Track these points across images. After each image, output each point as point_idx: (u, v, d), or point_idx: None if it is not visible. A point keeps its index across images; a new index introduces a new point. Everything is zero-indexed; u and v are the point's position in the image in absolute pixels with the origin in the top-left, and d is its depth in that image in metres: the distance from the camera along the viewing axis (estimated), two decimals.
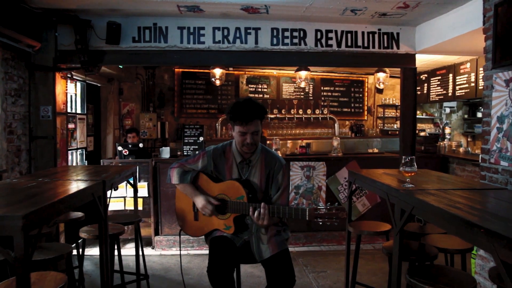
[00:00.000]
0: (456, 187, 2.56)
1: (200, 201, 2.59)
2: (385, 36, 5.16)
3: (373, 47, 5.16)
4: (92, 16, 4.69)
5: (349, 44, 5.13)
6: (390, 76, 7.20)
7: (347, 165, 5.94)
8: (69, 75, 5.13)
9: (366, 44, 5.15)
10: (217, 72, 6.60)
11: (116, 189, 3.19)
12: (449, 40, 4.60)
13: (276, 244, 2.48)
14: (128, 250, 5.25)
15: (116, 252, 3.40)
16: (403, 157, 2.57)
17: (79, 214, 3.61)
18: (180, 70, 8.48)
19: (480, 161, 3.77)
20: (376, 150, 7.30)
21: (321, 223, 2.24)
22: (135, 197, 3.85)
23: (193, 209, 2.70)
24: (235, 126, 2.50)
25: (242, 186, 2.49)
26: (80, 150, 6.81)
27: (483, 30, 3.50)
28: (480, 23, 3.57)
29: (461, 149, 6.85)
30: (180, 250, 4.60)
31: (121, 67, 6.87)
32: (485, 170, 3.53)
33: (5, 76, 4.24)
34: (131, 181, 3.84)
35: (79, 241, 3.95)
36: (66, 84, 5.06)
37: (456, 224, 1.79)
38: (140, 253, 3.72)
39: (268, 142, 6.58)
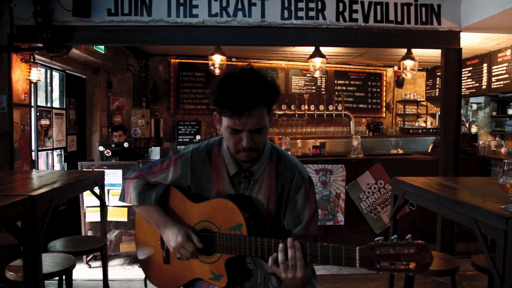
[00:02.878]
0: None
1: (173, 237, 1.58)
2: (423, 9, 4.16)
3: (408, 22, 4.15)
4: None
5: (379, 18, 4.13)
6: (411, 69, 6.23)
7: (371, 169, 5.04)
8: (32, 59, 4.16)
9: (399, 19, 4.15)
10: (217, 59, 5.65)
11: (64, 205, 2.22)
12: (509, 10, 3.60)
13: None
14: (113, 269, 4.38)
15: None
16: (506, 161, 1.57)
17: None
18: (177, 60, 7.60)
19: None
20: (401, 151, 6.33)
21: (381, 273, 1.26)
22: (102, 212, 2.88)
23: (161, 246, 1.71)
24: (222, 118, 1.50)
25: (239, 208, 1.51)
26: (58, 150, 5.87)
27: None
28: None
29: (502, 150, 5.85)
30: None
31: (101, 50, 5.89)
32: None
33: None
34: (97, 191, 2.87)
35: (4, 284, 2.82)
36: (29, 69, 4.09)
37: None
38: None
39: (278, 142, 5.62)
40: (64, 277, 2.40)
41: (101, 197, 2.91)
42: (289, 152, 5.30)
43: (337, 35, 4.13)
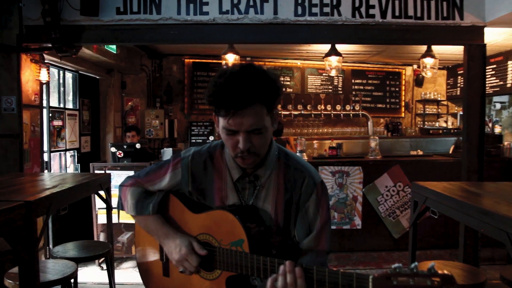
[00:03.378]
0: None
1: (175, 248, 1.44)
2: (445, 3, 3.94)
3: (428, 17, 3.95)
4: None
5: (397, 14, 3.93)
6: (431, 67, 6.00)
7: (389, 171, 4.87)
8: (42, 59, 4.11)
9: (419, 14, 3.94)
10: (230, 58, 5.54)
11: (65, 210, 2.13)
12: None
13: None
14: (124, 272, 4.31)
15: None
16: None
17: None
18: (191, 60, 7.51)
19: None
20: (420, 152, 6.11)
21: None
22: (108, 215, 2.79)
23: (160, 257, 1.57)
24: (218, 118, 1.36)
25: (240, 222, 1.35)
26: (71, 151, 5.84)
27: None
28: None
29: None
30: None
31: (112, 50, 5.83)
32: None
33: None
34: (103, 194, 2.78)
35: None
36: (39, 70, 4.05)
37: None
38: None
39: (293, 142, 5.47)
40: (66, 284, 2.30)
41: (106, 200, 2.82)
42: (304, 154, 5.20)
43: (353, 32, 3.95)
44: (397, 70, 8.25)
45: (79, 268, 4.21)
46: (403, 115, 8.32)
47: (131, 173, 4.66)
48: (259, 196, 1.45)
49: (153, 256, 1.59)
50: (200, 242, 1.45)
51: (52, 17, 3.62)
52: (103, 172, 4.56)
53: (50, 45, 3.78)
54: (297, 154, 5.14)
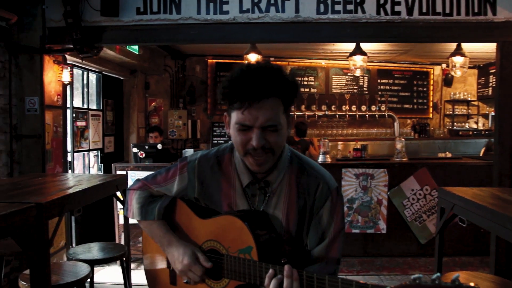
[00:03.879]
0: None
1: (178, 258, 1.37)
2: None
3: (458, 13, 3.77)
4: None
5: (424, 10, 3.76)
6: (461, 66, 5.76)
7: (416, 174, 4.71)
8: (64, 60, 4.15)
9: (447, 10, 3.76)
10: (252, 58, 5.47)
11: (79, 212, 2.10)
12: None
13: None
14: (139, 273, 4.26)
15: None
16: None
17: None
18: (214, 61, 7.50)
19: None
20: (449, 154, 5.88)
21: None
22: (125, 217, 2.76)
23: (167, 265, 1.50)
24: (231, 114, 1.27)
25: (249, 228, 1.27)
26: (94, 151, 5.91)
27: None
28: None
29: None
30: None
31: (135, 51, 5.85)
32: None
33: None
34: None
35: None
36: (61, 71, 4.08)
37: None
38: None
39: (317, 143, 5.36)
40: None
41: (123, 202, 2.80)
42: (327, 155, 5.07)
43: (378, 30, 3.80)
44: (425, 69, 8.03)
45: (100, 268, 4.26)
46: (431, 116, 8.09)
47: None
48: (270, 203, 1.36)
49: (160, 263, 1.52)
50: (206, 250, 1.38)
51: (73, 18, 3.64)
52: (124, 172, 4.57)
53: (71, 46, 3.80)
54: (320, 155, 5.03)
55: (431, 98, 8.06)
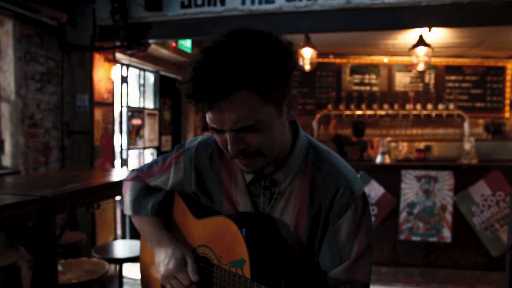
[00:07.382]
0: None
1: (164, 260, 1.15)
2: None
3: None
4: None
5: None
6: None
7: (487, 178, 4.24)
8: (113, 58, 4.20)
9: None
10: (306, 53, 5.24)
11: (98, 207, 2.01)
12: None
13: None
14: None
15: None
16: None
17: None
18: None
19: None
20: None
21: None
22: None
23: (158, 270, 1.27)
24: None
25: (243, 235, 1.00)
26: (150, 149, 6.02)
27: None
28: None
29: None
30: None
31: (187, 50, 5.83)
32: None
33: (25, 56, 3.42)
34: None
35: None
36: (111, 68, 4.13)
37: None
38: None
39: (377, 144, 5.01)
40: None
41: None
42: (386, 156, 4.69)
43: (440, 14, 3.38)
44: (500, 64, 7.35)
45: (135, 264, 4.18)
46: (507, 115, 7.40)
47: None
48: (277, 205, 1.09)
49: (152, 268, 1.30)
50: (199, 257, 1.16)
51: (120, 15, 3.65)
52: None
53: (119, 44, 3.82)
54: (378, 156, 4.67)
55: (507, 96, 7.37)
